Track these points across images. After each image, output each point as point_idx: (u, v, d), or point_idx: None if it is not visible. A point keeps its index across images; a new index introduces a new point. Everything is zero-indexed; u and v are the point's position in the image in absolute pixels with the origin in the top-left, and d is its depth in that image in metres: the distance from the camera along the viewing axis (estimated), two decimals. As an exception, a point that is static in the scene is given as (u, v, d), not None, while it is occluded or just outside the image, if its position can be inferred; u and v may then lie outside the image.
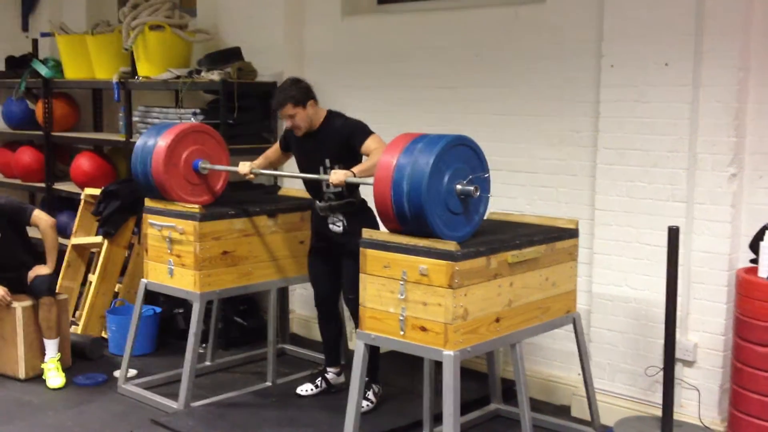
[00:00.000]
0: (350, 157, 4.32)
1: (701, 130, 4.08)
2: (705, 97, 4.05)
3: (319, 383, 4.76)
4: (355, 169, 4.15)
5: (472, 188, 3.55)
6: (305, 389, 4.75)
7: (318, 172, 4.37)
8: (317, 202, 4.49)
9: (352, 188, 4.38)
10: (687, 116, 4.11)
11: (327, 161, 4.35)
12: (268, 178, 5.98)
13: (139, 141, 4.75)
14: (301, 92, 4.38)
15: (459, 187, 3.55)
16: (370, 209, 4.48)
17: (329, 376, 4.79)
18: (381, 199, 3.57)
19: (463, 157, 3.59)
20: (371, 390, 4.52)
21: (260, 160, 4.72)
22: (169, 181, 4.60)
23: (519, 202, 4.85)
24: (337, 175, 4.09)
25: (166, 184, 4.61)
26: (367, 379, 4.14)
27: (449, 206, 3.55)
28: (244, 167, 4.59)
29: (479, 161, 3.68)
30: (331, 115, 4.44)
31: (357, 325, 4.22)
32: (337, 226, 4.45)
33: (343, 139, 4.33)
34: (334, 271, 4.59)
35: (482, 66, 5.00)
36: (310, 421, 4.43)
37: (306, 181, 4.55)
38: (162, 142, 4.60)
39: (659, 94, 4.19)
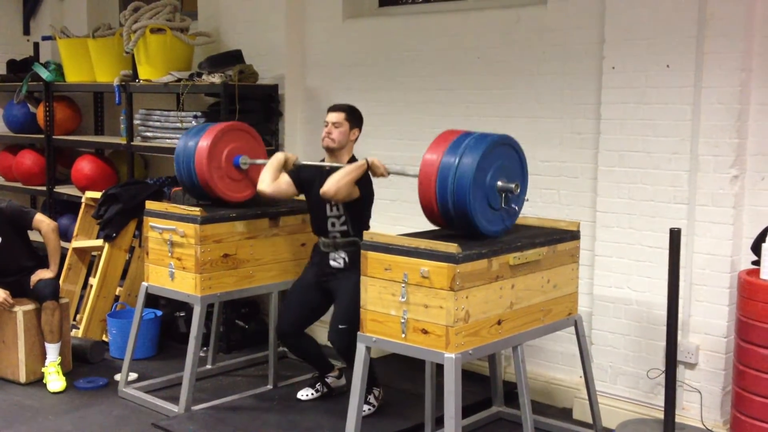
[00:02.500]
0: (350, 202, 4.32)
1: (703, 131, 4.07)
2: (707, 99, 4.05)
3: (319, 387, 4.75)
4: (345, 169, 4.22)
5: (513, 185, 3.69)
6: (306, 394, 4.73)
7: (325, 208, 4.41)
8: (322, 238, 4.49)
9: (357, 229, 4.38)
10: (689, 118, 4.11)
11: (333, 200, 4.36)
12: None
13: (179, 145, 4.80)
14: (357, 116, 4.51)
15: (500, 183, 3.68)
16: None
17: (329, 380, 4.78)
18: (426, 196, 3.69)
19: (505, 155, 3.74)
20: (372, 393, 4.51)
21: (272, 173, 4.54)
22: (213, 179, 4.67)
23: (520, 205, 4.84)
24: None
25: (211, 183, 4.67)
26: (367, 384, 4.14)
27: (490, 202, 3.68)
28: (284, 157, 4.53)
29: (519, 160, 3.83)
30: (352, 160, 4.44)
31: (346, 359, 4.25)
32: (337, 262, 4.45)
33: None
34: (316, 304, 4.57)
35: (484, 68, 5.00)
36: (312, 424, 4.42)
37: (312, 218, 4.56)
38: (203, 143, 4.67)
39: (661, 96, 4.19)
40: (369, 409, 4.43)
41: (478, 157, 3.57)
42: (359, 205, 4.39)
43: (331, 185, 4.18)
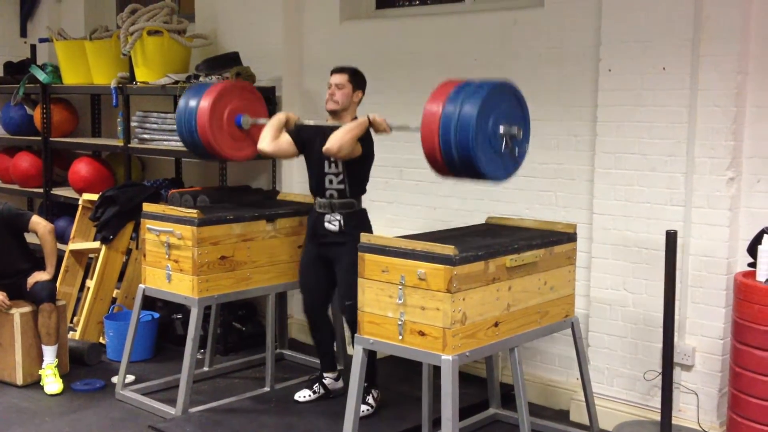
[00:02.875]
0: (351, 160, 4.33)
1: (699, 134, 4.08)
2: (703, 102, 4.06)
3: (316, 389, 4.75)
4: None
5: (515, 129, 3.68)
6: (303, 395, 4.74)
7: (323, 164, 4.41)
8: (318, 198, 4.48)
9: (355, 191, 4.41)
10: (685, 120, 4.12)
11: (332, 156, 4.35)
12: (267, 183, 5.99)
13: (180, 104, 4.78)
14: (361, 78, 4.51)
15: (503, 128, 3.67)
16: (368, 219, 4.51)
17: (327, 381, 4.78)
18: (429, 145, 3.68)
19: (506, 99, 3.73)
20: (370, 395, 4.51)
21: (273, 132, 4.53)
22: (215, 138, 4.65)
23: (518, 207, 4.85)
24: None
25: (213, 143, 4.65)
26: (366, 384, 4.15)
27: (494, 147, 3.67)
28: (285, 116, 4.55)
29: (519, 105, 3.82)
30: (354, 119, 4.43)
31: (355, 331, 4.21)
32: (333, 224, 4.43)
33: None
34: (326, 279, 4.58)
35: (481, 71, 4.99)
36: (309, 426, 4.43)
37: (310, 176, 4.55)
38: (204, 102, 4.64)
39: (657, 99, 4.20)
40: (367, 410, 4.44)
41: (478, 104, 3.56)
42: (359, 163, 4.38)
43: (334, 142, 4.17)
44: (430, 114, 3.66)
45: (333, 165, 4.40)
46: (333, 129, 4.30)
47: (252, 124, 4.78)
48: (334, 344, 4.89)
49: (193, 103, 4.70)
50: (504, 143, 3.70)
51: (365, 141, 4.34)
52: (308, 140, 4.52)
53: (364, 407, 4.37)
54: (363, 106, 4.58)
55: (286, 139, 4.53)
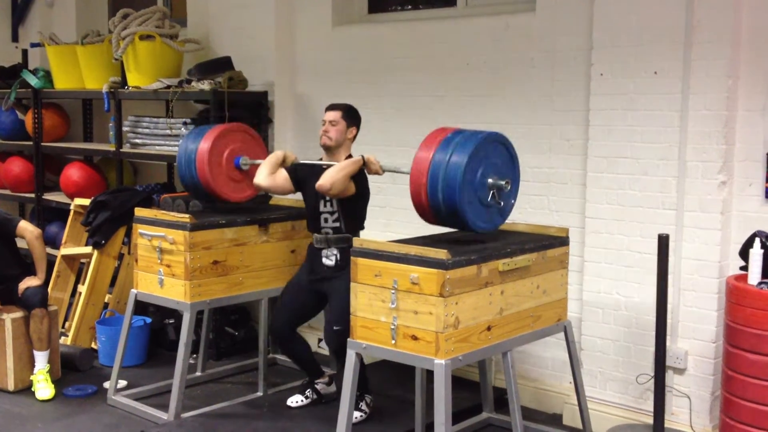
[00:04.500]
0: (345, 198, 4.35)
1: (691, 138, 4.10)
2: (694, 106, 4.07)
3: (309, 394, 4.74)
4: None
5: (503, 182, 3.73)
6: (295, 401, 4.72)
7: (318, 203, 4.43)
8: (315, 234, 4.50)
9: (351, 228, 4.43)
10: (677, 124, 4.13)
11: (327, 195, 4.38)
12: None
13: (180, 147, 4.86)
14: (354, 115, 4.54)
15: (491, 181, 3.72)
16: None
17: (319, 386, 4.77)
18: (416, 191, 3.73)
19: (496, 152, 3.77)
20: (364, 401, 4.50)
21: (269, 167, 4.57)
22: (214, 181, 4.72)
23: (510, 211, 4.85)
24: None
25: (212, 184, 4.72)
26: (359, 391, 4.15)
27: (481, 199, 3.71)
28: (283, 155, 4.59)
29: (510, 157, 3.86)
30: (348, 158, 4.43)
31: (340, 359, 4.21)
32: (329, 259, 4.45)
33: None
34: (310, 307, 4.62)
35: (473, 75, 5.02)
36: (302, 431, 4.41)
37: (307, 215, 4.57)
38: (204, 145, 4.71)
39: (649, 103, 4.21)
40: (360, 416, 4.43)
41: (467, 155, 3.60)
42: (353, 201, 4.40)
43: (326, 179, 4.20)
44: (420, 160, 3.71)
45: (328, 203, 4.42)
46: (329, 168, 4.32)
47: (251, 165, 4.82)
48: (312, 353, 4.84)
49: (192, 146, 4.76)
50: (491, 195, 3.73)
51: (359, 180, 4.35)
52: (303, 179, 4.54)
53: (357, 413, 4.36)
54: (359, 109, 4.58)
55: (282, 176, 4.55)
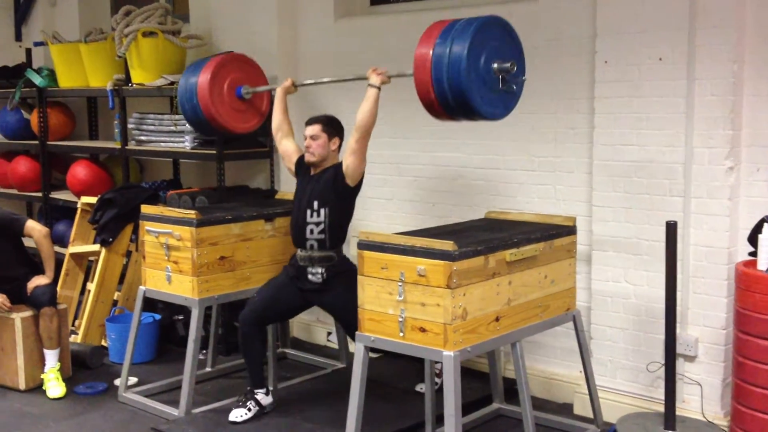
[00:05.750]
0: (337, 198, 4.33)
1: (697, 123, 4.07)
2: (700, 91, 4.04)
3: (251, 406, 4.53)
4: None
5: (508, 64, 3.69)
6: (238, 415, 4.48)
7: (306, 214, 4.36)
8: (299, 251, 4.41)
9: (335, 241, 4.37)
10: (682, 110, 4.10)
11: (315, 203, 4.34)
12: (265, 183, 5.98)
13: (180, 84, 4.83)
14: (335, 125, 4.48)
15: (496, 66, 3.69)
16: (353, 270, 4.07)
17: (259, 396, 4.57)
18: (423, 90, 3.70)
19: (496, 35, 3.73)
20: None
21: (279, 104, 4.71)
22: (219, 113, 4.70)
23: (517, 200, 4.84)
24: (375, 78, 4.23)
25: (217, 117, 4.70)
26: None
27: (489, 85, 3.67)
28: (286, 82, 4.72)
29: (511, 37, 3.81)
30: (337, 165, 4.40)
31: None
32: (315, 277, 4.37)
33: (332, 175, 4.35)
34: (292, 306, 4.53)
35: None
36: (312, 425, 4.42)
37: (292, 226, 4.49)
38: (203, 77, 4.68)
39: (654, 89, 4.18)
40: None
41: (467, 44, 3.56)
42: (346, 200, 4.37)
43: (364, 114, 4.19)
44: (421, 58, 3.67)
45: (315, 214, 4.34)
46: (323, 175, 4.36)
47: (253, 93, 4.80)
48: (264, 359, 4.73)
49: (192, 79, 4.72)
50: (500, 80, 3.69)
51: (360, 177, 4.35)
52: (303, 173, 4.50)
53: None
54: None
55: (293, 149, 4.61)
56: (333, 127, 4.45)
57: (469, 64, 3.55)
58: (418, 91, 3.74)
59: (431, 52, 3.64)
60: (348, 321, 4.26)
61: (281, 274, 4.61)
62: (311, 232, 4.36)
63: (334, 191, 4.34)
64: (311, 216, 4.36)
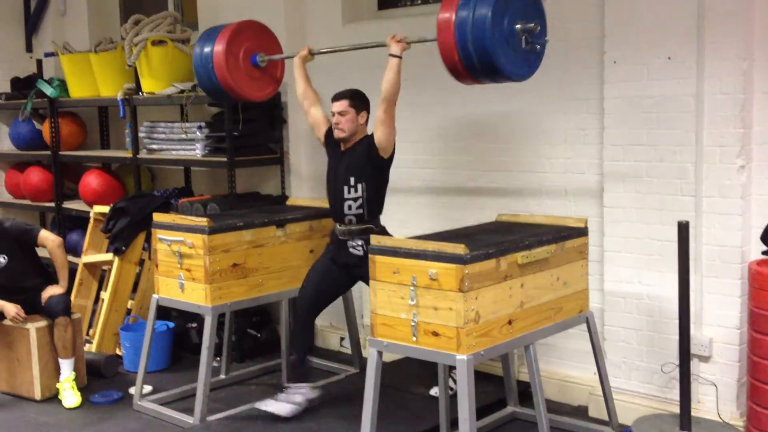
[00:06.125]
0: (373, 171, 4.36)
1: (707, 122, 4.05)
2: (710, 90, 4.03)
3: (301, 402, 4.56)
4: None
5: (532, 25, 3.74)
6: (286, 411, 4.49)
7: (343, 190, 4.39)
8: (337, 225, 4.47)
9: (373, 213, 4.40)
10: (692, 109, 4.09)
11: (352, 179, 4.37)
12: (276, 189, 5.99)
13: (195, 53, 4.83)
14: (361, 98, 4.48)
15: (519, 26, 3.73)
16: (389, 235, 4.44)
17: (305, 391, 4.59)
18: (448, 54, 3.76)
19: None
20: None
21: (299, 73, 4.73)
22: (235, 82, 4.71)
23: (528, 203, 4.84)
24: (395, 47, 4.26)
25: (234, 86, 4.72)
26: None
27: (513, 46, 3.72)
28: (302, 50, 4.72)
29: None
30: (366, 138, 4.43)
31: None
32: (357, 250, 4.40)
33: (365, 150, 4.37)
34: (337, 283, 4.55)
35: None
36: (327, 431, 4.42)
37: (330, 201, 4.52)
38: (219, 47, 4.68)
39: (663, 89, 4.17)
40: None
41: (491, 6, 3.60)
42: (382, 172, 4.40)
43: (389, 84, 4.22)
44: (444, 22, 3.71)
45: (352, 189, 4.37)
46: (355, 150, 4.37)
47: (268, 61, 4.82)
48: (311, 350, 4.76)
49: (207, 48, 4.73)
50: (523, 40, 3.73)
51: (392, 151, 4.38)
52: (332, 148, 4.51)
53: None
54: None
55: (322, 116, 4.63)
56: (360, 101, 4.47)
57: (494, 24, 3.60)
58: (441, 54, 3.79)
59: (455, 15, 3.69)
60: None
61: (322, 256, 4.64)
62: (349, 207, 4.39)
63: (369, 165, 4.36)
64: (348, 192, 4.38)
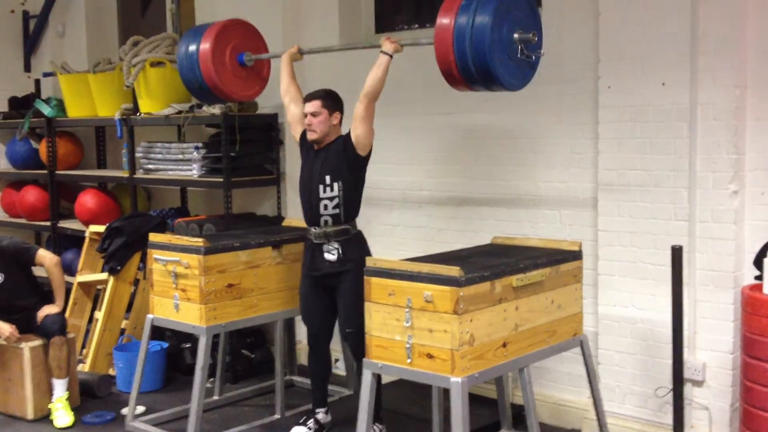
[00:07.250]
0: (349, 169, 4.33)
1: (701, 148, 4.09)
2: (703, 116, 4.07)
3: (311, 425, 4.60)
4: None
5: (530, 35, 3.76)
6: None
7: (318, 189, 4.34)
8: (312, 229, 4.41)
9: (349, 215, 4.38)
10: (686, 135, 4.13)
11: (327, 177, 4.33)
12: (272, 210, 6.01)
13: (180, 51, 4.80)
14: (334, 99, 4.44)
15: (517, 36, 3.76)
16: (365, 241, 4.47)
17: (319, 416, 4.64)
18: (444, 60, 3.77)
19: (516, 5, 3.79)
20: (373, 429, 4.38)
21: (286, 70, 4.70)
22: (222, 81, 4.72)
23: (523, 226, 4.86)
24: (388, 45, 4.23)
25: (220, 85, 4.72)
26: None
27: (510, 54, 3.74)
28: (292, 48, 4.72)
29: (530, 9, 3.87)
30: (340, 137, 4.41)
31: (358, 359, 4.20)
32: (332, 254, 4.36)
33: (341, 148, 4.34)
34: (328, 306, 4.50)
35: (481, 92, 5.01)
36: (320, 452, 4.41)
37: (305, 202, 4.46)
38: (205, 45, 4.67)
39: (657, 114, 4.21)
40: None
41: (491, 14, 3.63)
42: (358, 171, 4.36)
43: (374, 81, 4.22)
44: (443, 27, 3.73)
45: (328, 188, 4.32)
46: (330, 148, 4.33)
47: (255, 60, 4.81)
48: (328, 380, 4.77)
49: (193, 46, 4.71)
50: (519, 50, 3.76)
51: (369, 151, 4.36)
52: (306, 154, 4.47)
53: None
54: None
55: (298, 114, 4.54)
56: (333, 101, 4.41)
57: (494, 30, 3.64)
58: (438, 58, 3.81)
59: (454, 18, 3.71)
60: (351, 310, 4.27)
61: (301, 280, 4.59)
62: (325, 207, 4.34)
63: (346, 163, 4.32)
64: (324, 191, 4.33)
